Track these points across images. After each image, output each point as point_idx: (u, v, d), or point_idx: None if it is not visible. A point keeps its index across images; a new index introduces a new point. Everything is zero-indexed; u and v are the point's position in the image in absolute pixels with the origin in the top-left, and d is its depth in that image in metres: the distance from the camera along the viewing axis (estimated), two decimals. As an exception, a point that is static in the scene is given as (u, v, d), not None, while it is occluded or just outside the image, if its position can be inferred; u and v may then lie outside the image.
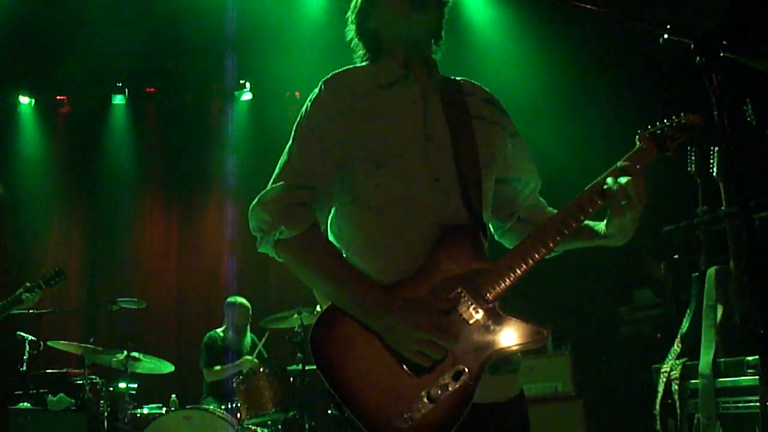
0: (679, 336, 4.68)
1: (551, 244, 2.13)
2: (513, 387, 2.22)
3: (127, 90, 9.58)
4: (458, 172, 2.22)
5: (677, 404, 4.49)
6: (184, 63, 9.34)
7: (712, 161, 4.70)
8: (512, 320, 2.08)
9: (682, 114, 2.31)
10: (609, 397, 6.48)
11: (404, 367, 2.01)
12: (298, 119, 2.30)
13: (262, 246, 2.21)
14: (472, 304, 2.06)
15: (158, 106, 9.92)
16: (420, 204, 2.17)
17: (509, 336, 2.06)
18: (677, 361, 4.57)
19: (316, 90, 2.31)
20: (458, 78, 2.44)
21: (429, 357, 1.99)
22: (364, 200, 2.22)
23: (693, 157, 4.92)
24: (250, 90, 9.60)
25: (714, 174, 4.70)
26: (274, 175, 2.24)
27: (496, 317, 2.07)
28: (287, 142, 2.30)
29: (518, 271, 2.10)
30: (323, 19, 7.91)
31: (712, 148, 4.70)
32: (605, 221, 2.26)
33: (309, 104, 2.30)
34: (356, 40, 2.42)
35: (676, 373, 4.52)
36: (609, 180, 2.17)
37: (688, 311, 4.73)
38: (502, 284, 2.09)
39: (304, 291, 4.82)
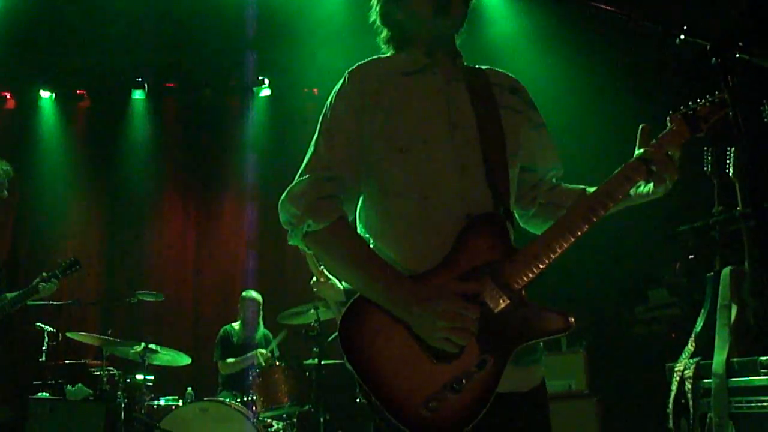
0: (693, 335, 4.67)
1: (579, 233, 2.12)
2: (535, 377, 2.24)
3: (146, 85, 9.69)
4: (485, 160, 2.23)
5: (690, 403, 4.49)
6: (204, 59, 9.39)
7: (728, 161, 4.69)
8: (538, 309, 2.09)
9: (716, 92, 2.26)
10: (623, 396, 6.47)
11: (430, 355, 2.03)
12: (323, 111, 2.32)
13: (292, 239, 2.25)
14: (497, 293, 2.07)
15: (177, 102, 10.00)
16: (446, 192, 2.19)
17: (535, 324, 2.08)
18: (691, 361, 4.57)
19: (341, 81, 2.33)
20: (483, 67, 2.46)
21: (454, 344, 2.01)
22: (389, 187, 2.24)
23: (709, 157, 4.91)
24: (269, 86, 9.66)
25: (730, 174, 4.69)
26: (301, 168, 2.27)
27: (522, 306, 2.08)
28: (309, 137, 2.33)
29: (545, 260, 2.10)
30: (343, 15, 7.93)
31: (728, 147, 4.70)
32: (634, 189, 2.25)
33: (334, 95, 2.32)
34: (380, 24, 2.44)
35: (689, 372, 4.51)
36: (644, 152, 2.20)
37: (702, 311, 4.72)
38: (529, 273, 2.09)
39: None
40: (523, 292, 2.10)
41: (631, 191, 2.22)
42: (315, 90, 9.47)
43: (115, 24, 8.31)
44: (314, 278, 4.49)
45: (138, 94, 9.75)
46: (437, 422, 2.00)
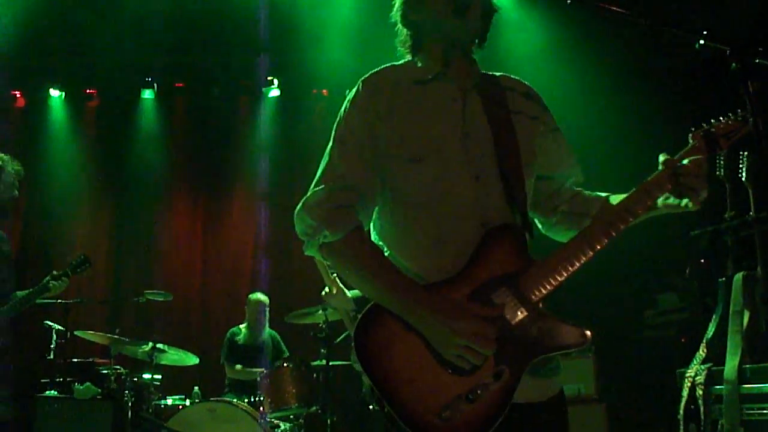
0: (704, 341, 4.65)
1: (598, 246, 2.11)
2: (553, 387, 2.22)
3: (156, 84, 9.68)
4: (500, 170, 2.21)
5: (701, 410, 4.46)
6: (214, 59, 9.40)
7: (741, 166, 4.67)
8: (556, 322, 2.08)
9: (738, 111, 2.24)
10: (631, 401, 6.45)
11: (444, 366, 2.02)
12: (337, 119, 2.30)
13: (308, 249, 2.23)
14: (515, 305, 2.06)
15: (187, 101, 9.99)
16: (460, 202, 2.17)
17: (552, 337, 2.06)
18: (702, 367, 4.55)
19: (354, 89, 2.31)
20: (497, 74, 2.44)
21: (468, 361, 2.00)
22: (403, 197, 2.23)
23: (722, 162, 4.88)
24: (278, 87, 9.64)
25: (743, 179, 4.67)
26: (316, 178, 2.25)
27: (539, 318, 2.07)
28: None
29: (564, 273, 2.09)
30: (353, 17, 7.92)
31: (741, 152, 4.67)
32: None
33: (347, 104, 2.30)
34: (399, 26, 2.42)
35: (700, 379, 4.49)
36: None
37: (714, 316, 4.70)
38: (547, 285, 2.08)
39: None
40: (540, 304, 2.09)
41: (660, 202, 2.20)
42: (324, 91, 9.46)
43: (125, 23, 8.31)
44: (326, 288, 4.46)
45: (147, 94, 9.74)
46: None
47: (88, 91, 9.82)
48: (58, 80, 9.63)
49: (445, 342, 2.01)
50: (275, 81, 9.62)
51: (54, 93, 9.67)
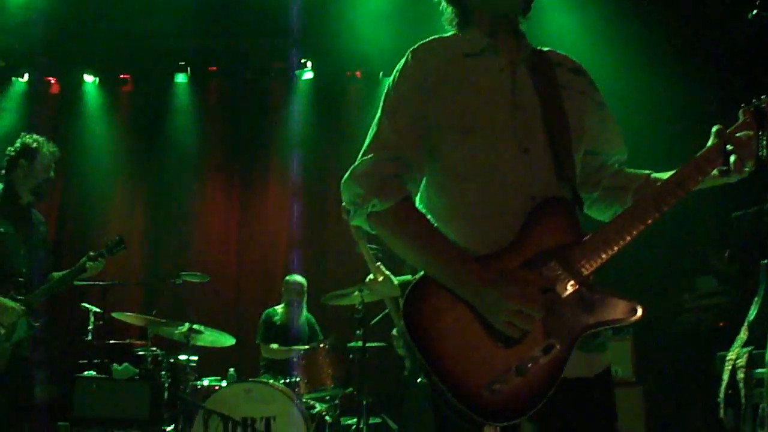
0: (746, 324, 4.58)
1: (649, 221, 2.10)
2: (601, 363, 2.21)
3: (189, 69, 9.71)
4: (549, 143, 2.19)
5: (742, 393, 4.41)
6: (247, 42, 9.42)
7: (785, 146, 4.58)
8: (606, 295, 2.06)
9: None
10: (669, 384, 6.40)
11: (495, 338, 2.01)
12: (386, 90, 2.29)
13: (355, 219, 2.22)
14: (565, 278, 2.05)
15: (220, 85, 10.03)
16: (509, 174, 2.15)
17: (602, 311, 2.05)
18: (743, 350, 4.49)
19: (403, 60, 2.29)
20: (545, 48, 2.41)
21: (519, 328, 1.98)
22: (451, 169, 2.21)
23: (764, 141, 4.79)
24: (312, 69, 9.62)
25: (787, 159, 4.58)
26: (363, 147, 2.24)
27: (589, 292, 2.05)
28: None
29: (615, 247, 2.08)
30: (387, -1, 7.88)
31: (785, 132, 4.58)
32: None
33: (396, 74, 2.29)
34: (444, 4, 2.40)
35: (742, 362, 4.43)
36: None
37: (755, 299, 4.62)
38: (598, 259, 2.07)
39: (364, 268, 4.84)
40: (590, 278, 2.07)
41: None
42: (358, 73, 9.43)
43: (158, 8, 8.34)
44: (370, 275, 4.42)
45: (181, 78, 9.77)
46: (500, 405, 1.97)
47: (122, 76, 9.88)
48: (92, 66, 9.71)
49: (494, 308, 1.99)
50: (309, 63, 9.60)
51: (88, 78, 9.74)
